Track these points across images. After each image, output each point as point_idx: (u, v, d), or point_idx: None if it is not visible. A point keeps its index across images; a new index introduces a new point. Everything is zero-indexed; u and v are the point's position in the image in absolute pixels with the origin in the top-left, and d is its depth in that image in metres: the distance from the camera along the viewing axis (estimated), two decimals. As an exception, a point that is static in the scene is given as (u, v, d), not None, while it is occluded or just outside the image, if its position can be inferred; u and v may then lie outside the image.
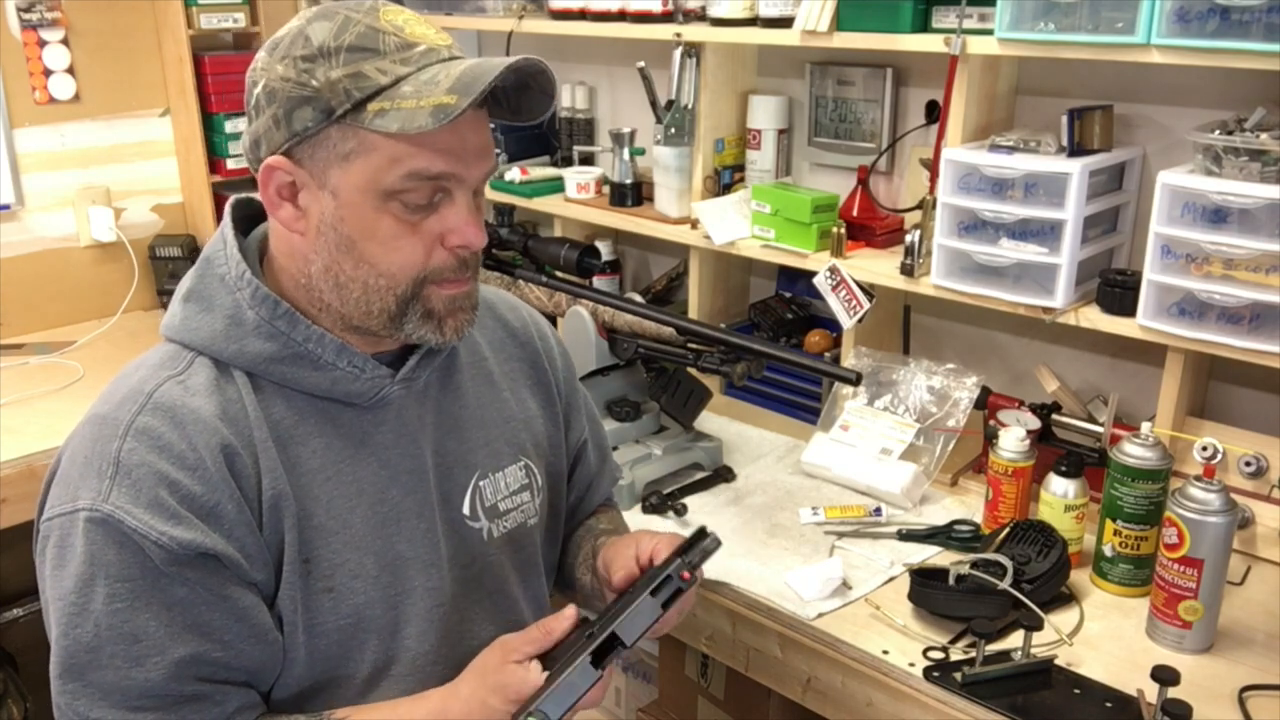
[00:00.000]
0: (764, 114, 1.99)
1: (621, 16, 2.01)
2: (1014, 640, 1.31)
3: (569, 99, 2.38)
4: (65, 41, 2.43)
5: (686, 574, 1.03)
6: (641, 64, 1.93)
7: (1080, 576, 1.47)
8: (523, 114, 1.04)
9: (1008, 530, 1.48)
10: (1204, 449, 1.50)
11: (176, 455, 0.96)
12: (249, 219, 1.10)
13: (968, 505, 1.69)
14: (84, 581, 0.94)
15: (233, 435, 0.99)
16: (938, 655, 1.31)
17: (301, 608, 1.01)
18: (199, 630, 0.95)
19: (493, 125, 1.04)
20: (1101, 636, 1.35)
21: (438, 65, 0.96)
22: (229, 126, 2.54)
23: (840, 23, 1.69)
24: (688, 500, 1.71)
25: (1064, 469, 1.48)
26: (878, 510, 1.65)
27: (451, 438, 1.14)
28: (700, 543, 1.06)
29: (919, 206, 1.73)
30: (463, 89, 0.92)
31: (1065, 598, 1.43)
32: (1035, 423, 1.63)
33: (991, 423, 1.68)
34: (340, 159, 0.96)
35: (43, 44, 2.40)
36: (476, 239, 1.01)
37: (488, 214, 1.59)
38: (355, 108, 0.94)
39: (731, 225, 1.94)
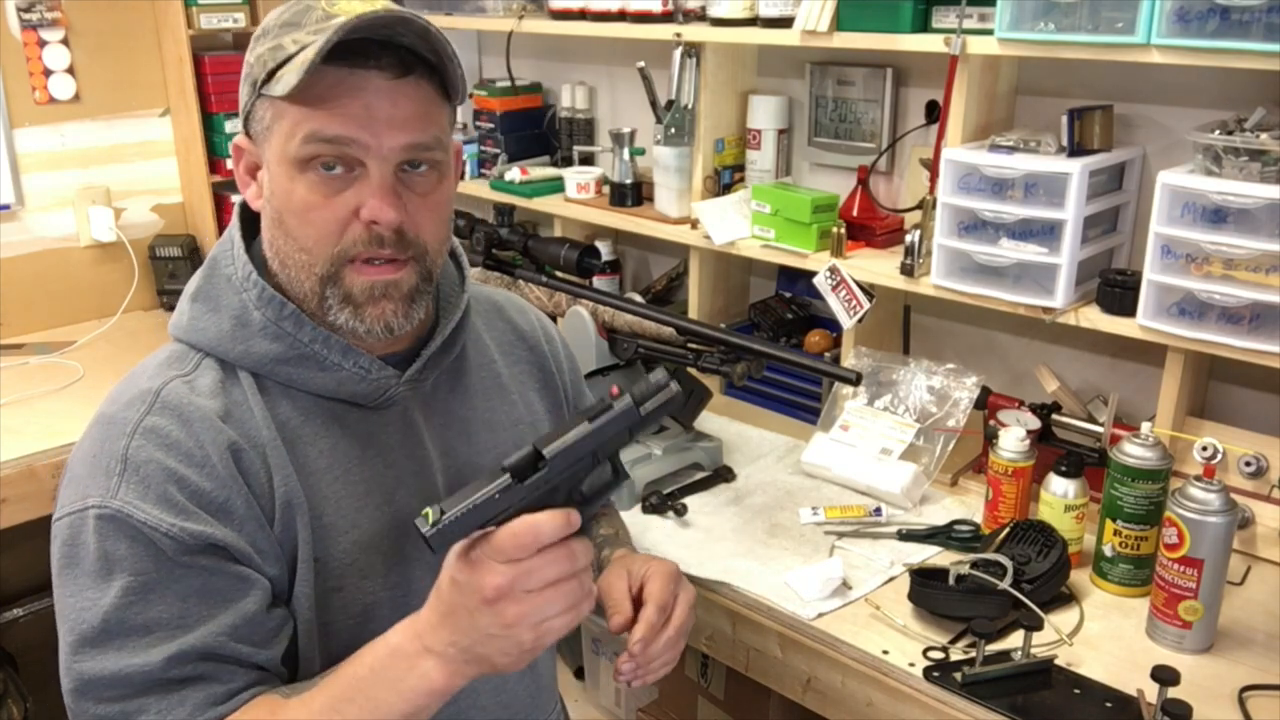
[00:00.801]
0: (764, 114, 1.99)
1: (621, 16, 2.01)
2: (1014, 640, 1.31)
3: (569, 99, 2.38)
4: (65, 41, 2.43)
5: (615, 389, 0.96)
6: (641, 64, 1.93)
7: (1080, 576, 1.47)
8: (451, 88, 1.01)
9: (1008, 530, 1.48)
10: (1204, 449, 1.50)
11: (184, 453, 0.96)
12: (257, 219, 1.10)
13: (968, 505, 1.69)
14: (97, 577, 0.94)
15: (240, 435, 0.99)
16: (938, 655, 1.31)
17: (314, 606, 1.01)
18: (211, 614, 0.95)
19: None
20: (1101, 636, 1.35)
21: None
22: (229, 126, 2.54)
23: (840, 23, 1.69)
24: (688, 500, 1.71)
25: (1064, 469, 1.48)
26: (878, 510, 1.65)
27: (459, 440, 1.14)
28: (661, 385, 0.93)
29: (919, 206, 1.73)
30: (324, 45, 0.93)
31: (1065, 598, 1.43)
32: (1035, 423, 1.63)
33: (991, 423, 1.68)
34: (266, 131, 0.99)
35: (43, 44, 2.40)
36: (384, 214, 0.97)
37: (488, 214, 1.59)
38: (268, 78, 0.97)
39: (731, 225, 1.94)
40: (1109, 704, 1.22)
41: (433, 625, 0.92)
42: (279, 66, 0.96)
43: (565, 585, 0.89)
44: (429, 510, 0.87)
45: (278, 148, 0.98)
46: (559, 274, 1.58)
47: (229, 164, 2.53)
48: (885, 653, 1.32)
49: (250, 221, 1.08)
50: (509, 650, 0.90)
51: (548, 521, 0.87)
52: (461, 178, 2.40)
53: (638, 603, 1.12)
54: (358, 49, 0.95)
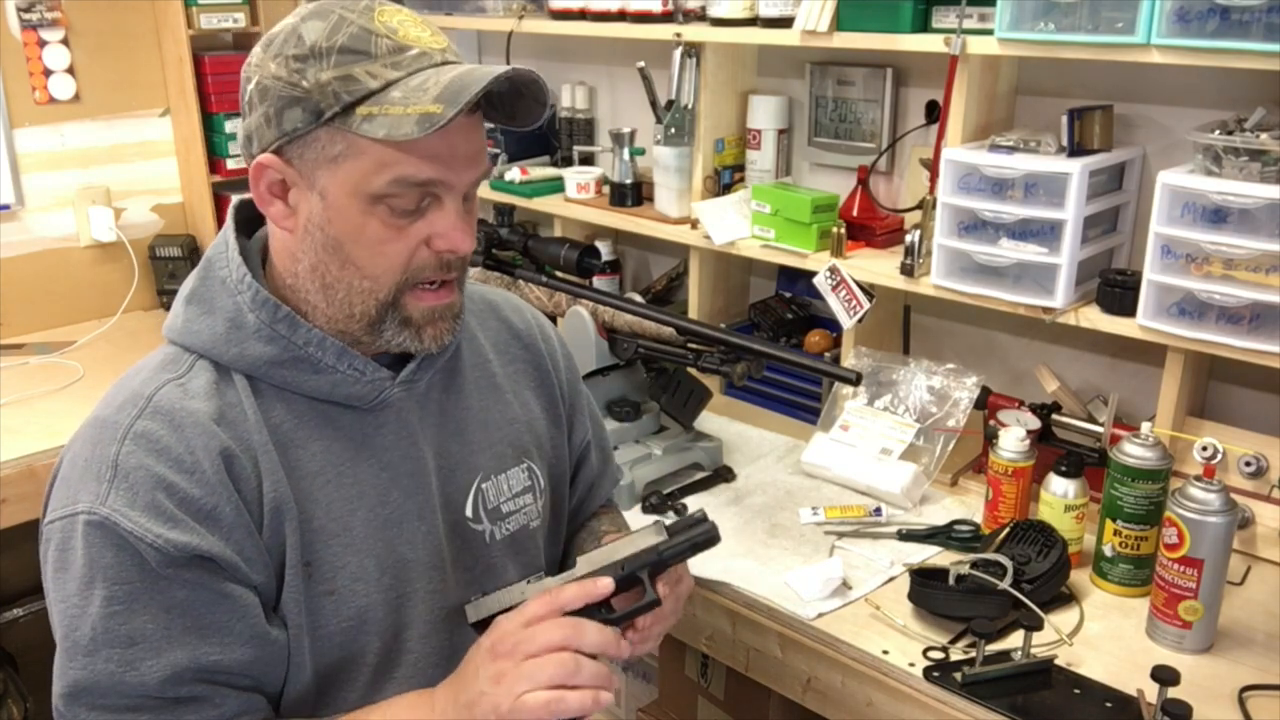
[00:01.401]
0: (764, 114, 1.99)
1: (621, 16, 2.01)
2: (1014, 640, 1.31)
3: (569, 99, 2.38)
4: (65, 41, 2.43)
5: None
6: (641, 64, 1.93)
7: (1080, 576, 1.47)
8: (517, 120, 1.04)
9: (1008, 530, 1.48)
10: (1204, 449, 1.50)
11: (174, 459, 0.96)
12: (252, 221, 1.10)
13: (968, 505, 1.69)
14: (83, 584, 0.94)
15: (232, 439, 0.99)
16: (938, 655, 1.31)
17: (305, 611, 1.01)
18: (197, 632, 0.95)
19: (490, 126, 1.04)
20: (1101, 636, 1.35)
21: (429, 70, 0.95)
22: (229, 126, 2.54)
23: (840, 23, 1.69)
24: (688, 500, 1.71)
25: (1064, 469, 1.48)
26: (878, 510, 1.65)
27: (454, 440, 1.14)
28: (692, 529, 1.04)
29: (919, 206, 1.73)
30: (450, 98, 0.92)
31: (1065, 598, 1.43)
32: (1035, 423, 1.63)
33: (991, 423, 1.68)
34: (329, 161, 0.96)
35: (43, 44, 2.40)
36: (463, 244, 1.00)
37: (488, 214, 1.60)
38: (344, 111, 0.94)
39: (731, 225, 1.94)
40: (1109, 704, 1.22)
41: (446, 684, 0.97)
42: (358, 101, 0.93)
43: (558, 657, 0.91)
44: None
45: (350, 182, 0.96)
46: (559, 274, 1.58)
47: (229, 164, 2.55)
48: (885, 653, 1.32)
49: (245, 224, 1.08)
50: (489, 711, 0.92)
51: (569, 589, 0.95)
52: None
53: None
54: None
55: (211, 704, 0.96)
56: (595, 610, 0.98)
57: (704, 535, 1.03)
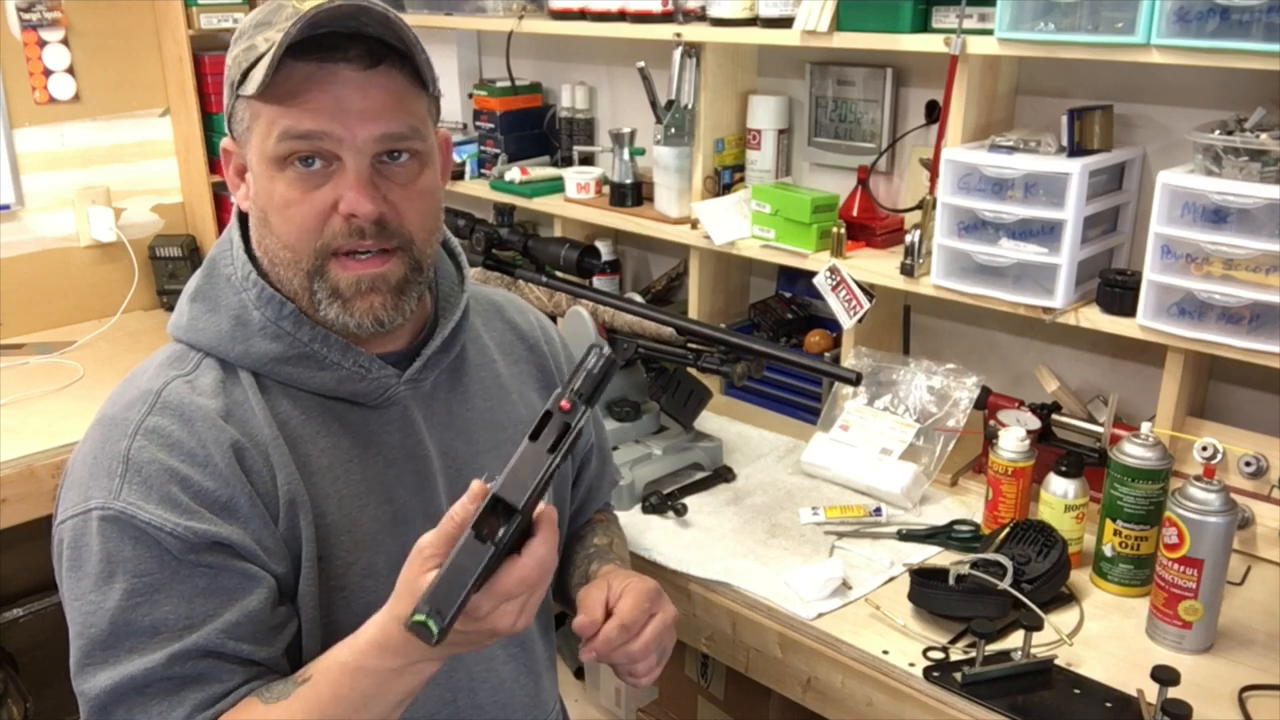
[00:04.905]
0: (764, 114, 1.99)
1: (621, 16, 2.01)
2: (1014, 640, 1.31)
3: (569, 99, 2.38)
4: (65, 41, 2.43)
5: (566, 403, 0.86)
6: (641, 64, 1.93)
7: (1080, 576, 1.47)
8: (423, 79, 1.01)
9: (1008, 530, 1.48)
10: (1204, 449, 1.50)
11: (187, 452, 0.96)
12: None
13: (968, 505, 1.69)
14: (102, 579, 0.94)
15: (242, 434, 0.99)
16: (938, 655, 1.31)
17: (318, 605, 1.01)
18: (218, 616, 0.95)
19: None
20: (1101, 636, 1.35)
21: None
22: (229, 126, 2.54)
23: (840, 23, 1.69)
24: (688, 500, 1.71)
25: (1064, 469, 1.48)
26: (878, 510, 1.65)
27: (460, 440, 1.14)
28: (584, 364, 0.87)
29: (919, 206, 1.73)
30: (285, 37, 0.93)
31: (1065, 598, 1.43)
32: (1035, 423, 1.63)
33: (991, 423, 1.68)
34: (246, 132, 1.00)
35: (43, 44, 2.40)
36: (360, 206, 0.97)
37: (488, 214, 1.59)
38: (243, 79, 0.97)
39: (731, 225, 1.94)
40: (1109, 704, 1.22)
41: (383, 620, 0.92)
42: (251, 66, 0.97)
43: (536, 593, 0.89)
44: (422, 618, 0.81)
45: (257, 147, 0.99)
46: (559, 274, 1.58)
47: (227, 164, 2.56)
48: (885, 653, 1.32)
49: (249, 222, 1.08)
50: (475, 638, 0.90)
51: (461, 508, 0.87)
52: (461, 177, 2.42)
53: (610, 614, 1.10)
54: (326, 43, 0.95)
55: (218, 680, 0.95)
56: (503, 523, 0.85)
57: (602, 362, 0.87)
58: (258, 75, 0.94)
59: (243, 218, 1.08)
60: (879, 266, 1.75)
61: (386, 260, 1.01)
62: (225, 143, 1.04)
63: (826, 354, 1.91)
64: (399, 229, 1.00)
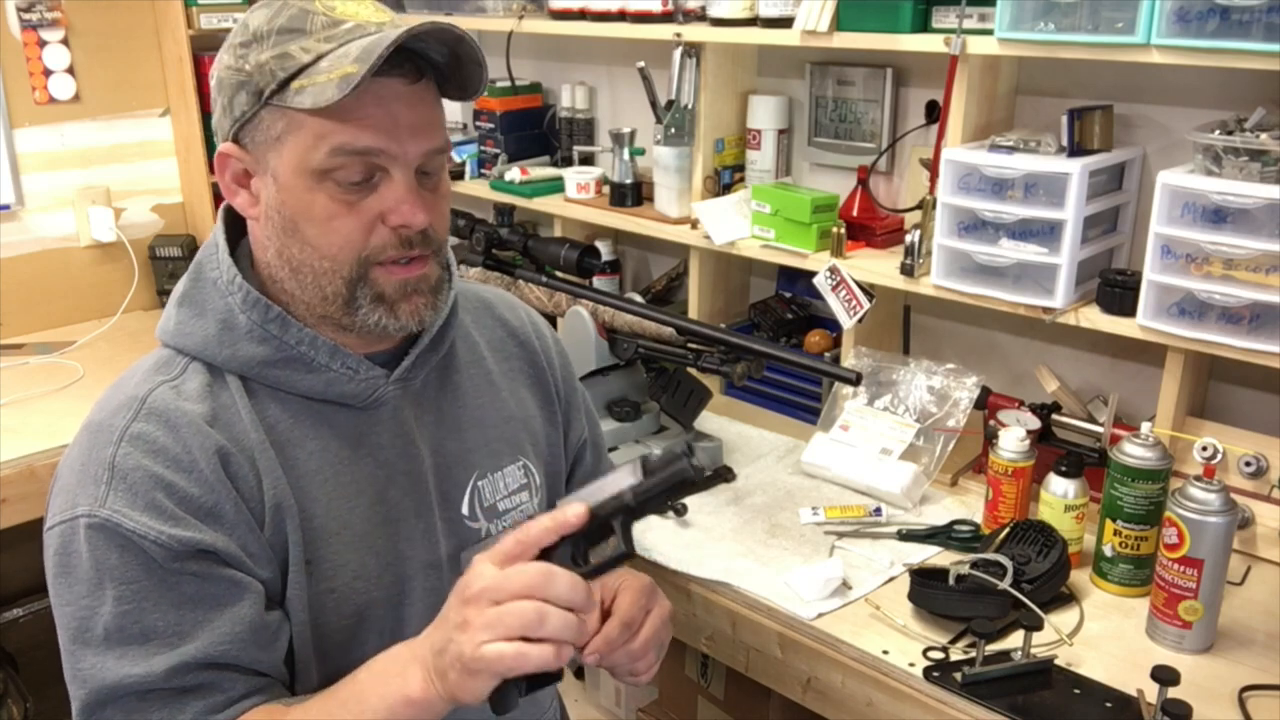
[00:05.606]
0: (764, 114, 1.99)
1: (621, 16, 2.01)
2: (1014, 640, 1.31)
3: (569, 99, 2.38)
4: (65, 41, 2.43)
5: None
6: (641, 64, 1.93)
7: (1080, 576, 1.47)
8: (467, 89, 1.02)
9: (1008, 530, 1.48)
10: (1204, 449, 1.50)
11: (171, 459, 0.96)
12: (242, 222, 1.10)
13: (968, 505, 1.69)
14: (91, 587, 0.94)
15: (227, 439, 0.99)
16: (938, 655, 1.31)
17: (308, 608, 1.01)
18: (208, 624, 0.95)
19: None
20: (1101, 636, 1.35)
21: (362, 39, 0.96)
22: (229, 126, 2.54)
23: (840, 23, 1.69)
24: (688, 500, 1.71)
25: (1064, 469, 1.48)
26: (878, 510, 1.65)
27: (450, 437, 1.13)
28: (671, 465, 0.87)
29: (919, 206, 1.73)
30: (365, 57, 0.92)
31: (1065, 598, 1.43)
32: (1035, 423, 1.63)
33: (991, 423, 1.68)
34: (274, 141, 0.97)
35: (43, 44, 2.40)
36: (414, 218, 0.99)
37: (488, 214, 1.60)
38: (280, 88, 0.95)
39: (731, 225, 1.94)
40: (1109, 704, 1.22)
41: (427, 631, 0.92)
42: (292, 76, 0.95)
43: (523, 606, 0.85)
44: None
45: (294, 159, 0.97)
46: (559, 274, 1.59)
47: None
48: (885, 653, 1.32)
49: (233, 225, 1.08)
50: (454, 660, 0.87)
51: (539, 521, 0.88)
52: (461, 177, 2.42)
53: (607, 614, 1.11)
54: (389, 59, 0.94)
55: (219, 689, 0.96)
56: (569, 560, 0.90)
57: (678, 474, 0.87)
58: (328, 92, 0.92)
59: (231, 223, 1.08)
60: (879, 266, 1.75)
61: (425, 263, 1.03)
62: (225, 147, 1.01)
63: (826, 354, 1.91)
64: (435, 235, 1.03)
